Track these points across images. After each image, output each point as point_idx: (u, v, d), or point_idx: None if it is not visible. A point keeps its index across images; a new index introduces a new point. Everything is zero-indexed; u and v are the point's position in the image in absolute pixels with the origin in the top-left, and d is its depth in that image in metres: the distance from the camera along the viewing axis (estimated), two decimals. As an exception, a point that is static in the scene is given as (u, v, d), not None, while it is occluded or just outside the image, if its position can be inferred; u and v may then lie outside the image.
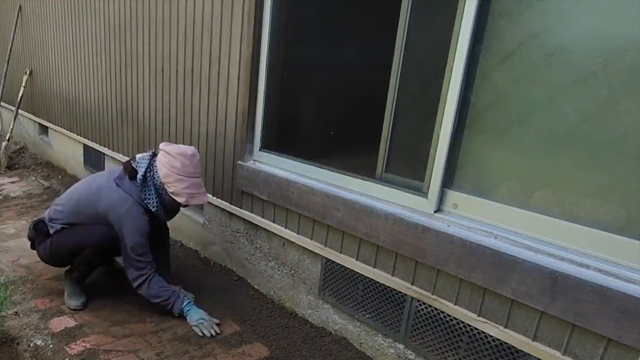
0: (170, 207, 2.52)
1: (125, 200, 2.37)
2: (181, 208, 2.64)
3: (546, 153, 1.62)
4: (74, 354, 2.18)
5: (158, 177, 2.38)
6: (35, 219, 2.67)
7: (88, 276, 2.62)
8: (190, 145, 2.62)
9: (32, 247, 2.65)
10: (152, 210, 2.41)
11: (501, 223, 1.75)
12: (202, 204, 2.86)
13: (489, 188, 1.79)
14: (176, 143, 3.25)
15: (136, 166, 2.43)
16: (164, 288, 2.44)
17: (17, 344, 2.26)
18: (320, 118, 3.41)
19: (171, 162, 2.34)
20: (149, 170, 2.41)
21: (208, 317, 2.43)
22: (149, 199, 2.41)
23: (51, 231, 2.50)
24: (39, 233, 2.56)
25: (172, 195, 2.36)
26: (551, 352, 1.61)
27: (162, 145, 2.41)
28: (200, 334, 2.35)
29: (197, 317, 2.41)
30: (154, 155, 2.45)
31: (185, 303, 2.45)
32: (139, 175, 2.40)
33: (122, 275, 2.73)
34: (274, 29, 2.54)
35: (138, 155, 2.49)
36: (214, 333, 2.36)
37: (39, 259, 2.61)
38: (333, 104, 3.43)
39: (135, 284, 2.40)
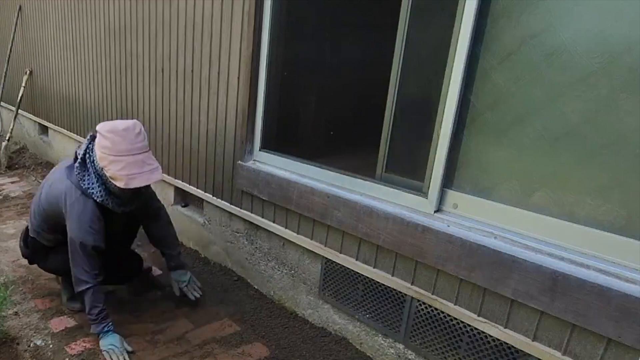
0: (124, 194, 2.13)
1: (70, 190, 2.11)
2: (180, 208, 2.57)
3: (546, 153, 1.62)
4: (74, 354, 2.19)
5: (97, 162, 2.07)
6: (22, 231, 2.52)
7: None
8: (136, 120, 2.17)
9: (31, 262, 2.53)
10: (98, 200, 2.10)
11: (501, 223, 1.74)
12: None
13: (489, 188, 1.79)
14: (176, 143, 3.27)
15: (77, 152, 2.16)
16: (99, 305, 2.16)
17: (17, 344, 2.26)
18: (320, 118, 3.41)
19: (101, 142, 2.03)
20: (87, 154, 2.12)
21: (121, 344, 2.18)
22: (92, 188, 2.10)
23: (46, 243, 2.37)
24: (34, 250, 2.43)
25: (111, 180, 2.04)
26: (551, 352, 1.61)
27: (98, 126, 2.08)
28: (108, 359, 2.14)
29: (108, 343, 2.16)
30: (93, 138, 2.12)
31: (105, 329, 2.18)
32: (77, 162, 2.12)
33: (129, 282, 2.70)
34: (274, 28, 2.54)
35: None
36: None
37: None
38: (333, 103, 3.43)
39: (78, 288, 2.15)
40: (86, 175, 2.11)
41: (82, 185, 2.10)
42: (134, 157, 2.01)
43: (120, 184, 2.00)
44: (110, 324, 2.21)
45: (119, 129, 2.02)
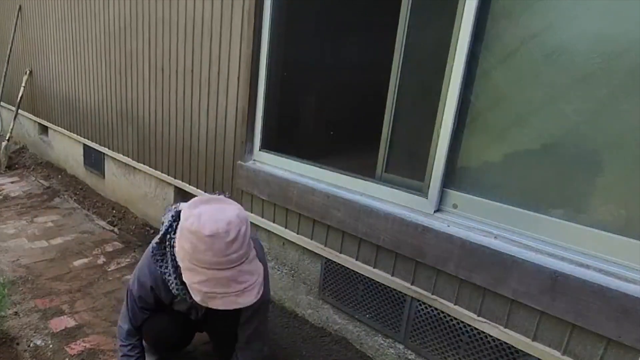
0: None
1: (141, 267, 1.80)
2: None
3: (546, 153, 1.62)
4: (74, 354, 2.19)
5: (175, 253, 1.57)
6: None
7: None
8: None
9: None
10: (173, 292, 1.65)
11: (501, 223, 1.74)
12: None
13: (489, 188, 1.79)
14: (176, 142, 3.27)
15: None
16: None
17: (17, 344, 2.26)
18: (320, 118, 3.41)
19: (181, 239, 1.50)
20: (168, 235, 1.61)
21: None
22: (167, 273, 1.64)
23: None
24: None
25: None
26: (551, 352, 1.61)
27: (184, 208, 1.54)
28: None
29: None
30: (178, 215, 1.58)
31: None
32: (157, 237, 1.65)
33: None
34: (274, 28, 2.54)
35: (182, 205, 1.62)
36: None
37: (39, 259, 2.59)
38: (333, 103, 3.43)
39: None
40: (164, 256, 1.65)
41: (155, 261, 1.67)
42: (221, 272, 1.45)
43: (196, 298, 1.49)
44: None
45: (204, 233, 1.41)
